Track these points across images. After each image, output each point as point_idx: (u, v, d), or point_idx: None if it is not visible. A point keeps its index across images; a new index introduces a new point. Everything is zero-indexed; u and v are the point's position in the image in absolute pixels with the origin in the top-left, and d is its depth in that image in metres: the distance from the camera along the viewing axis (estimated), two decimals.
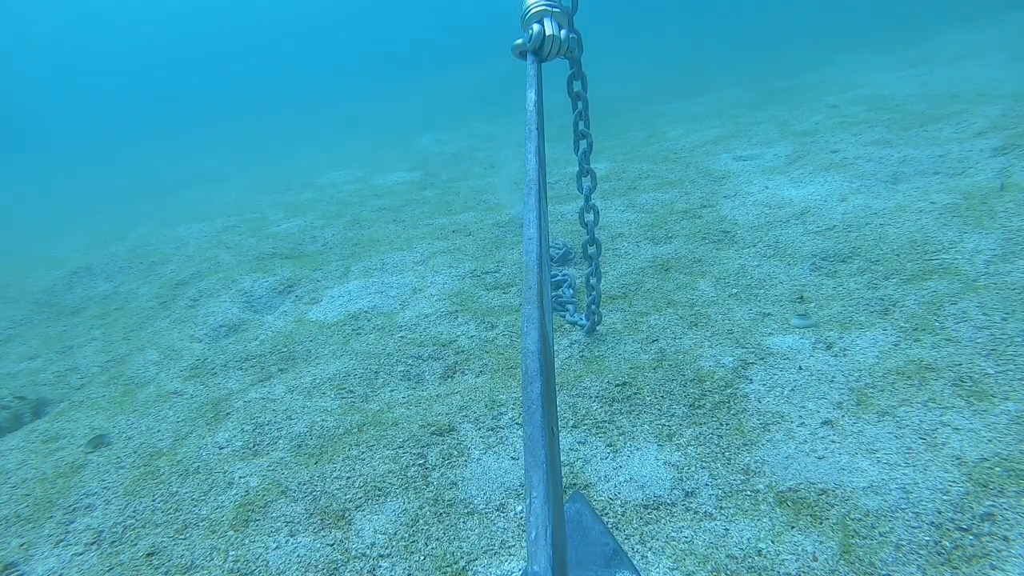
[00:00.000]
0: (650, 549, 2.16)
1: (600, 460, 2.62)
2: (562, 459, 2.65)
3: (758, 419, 2.70)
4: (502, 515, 2.43)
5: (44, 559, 2.51)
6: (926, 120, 6.59)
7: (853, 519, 2.08)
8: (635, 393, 3.03)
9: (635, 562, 2.12)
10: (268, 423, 3.18)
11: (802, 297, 3.72)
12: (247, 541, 2.39)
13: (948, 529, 1.99)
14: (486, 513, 2.44)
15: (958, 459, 2.24)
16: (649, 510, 2.34)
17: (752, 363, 3.13)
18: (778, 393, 2.86)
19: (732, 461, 2.48)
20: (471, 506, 2.48)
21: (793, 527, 2.11)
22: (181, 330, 4.82)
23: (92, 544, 2.55)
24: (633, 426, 2.81)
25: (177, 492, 2.76)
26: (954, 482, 2.14)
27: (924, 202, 4.47)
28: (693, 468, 2.48)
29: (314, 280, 5.32)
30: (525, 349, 1.69)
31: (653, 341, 3.55)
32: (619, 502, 2.40)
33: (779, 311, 3.61)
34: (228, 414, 3.41)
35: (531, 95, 2.22)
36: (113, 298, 6.32)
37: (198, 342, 4.57)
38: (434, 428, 2.95)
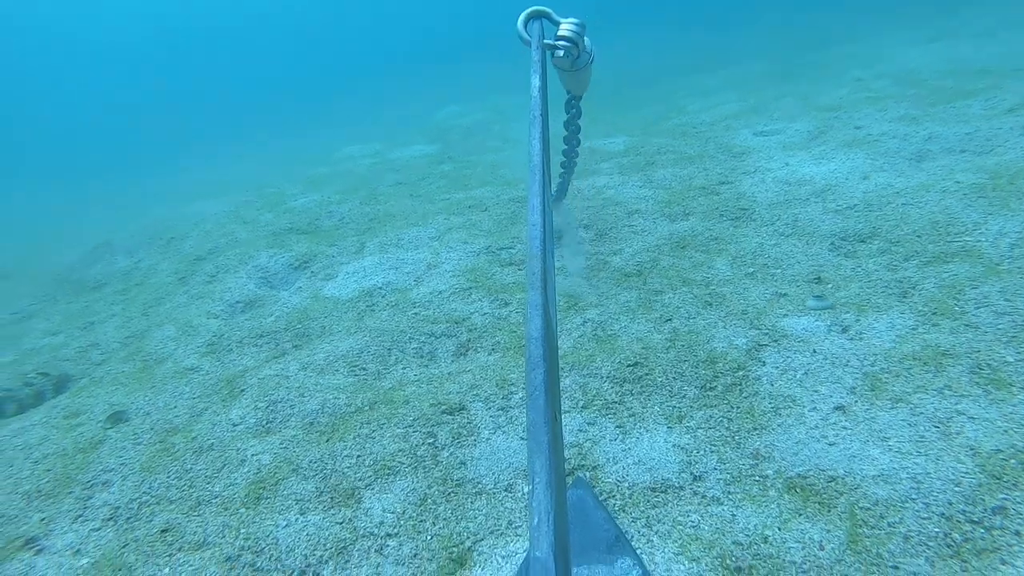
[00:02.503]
0: (656, 533, 2.17)
1: (609, 442, 2.62)
2: (571, 440, 2.65)
3: (769, 403, 2.68)
4: (510, 495, 2.44)
5: (63, 534, 2.58)
6: (954, 96, 6.40)
7: (861, 508, 2.06)
8: (646, 374, 3.01)
9: (639, 546, 2.13)
10: (281, 400, 3.22)
11: (819, 278, 3.66)
12: (258, 518, 2.44)
13: (959, 521, 1.96)
14: (494, 493, 2.45)
15: (972, 449, 2.20)
16: (656, 493, 2.34)
17: (766, 345, 3.09)
18: (791, 376, 2.83)
19: (742, 445, 2.47)
20: (479, 486, 2.50)
21: (800, 514, 2.10)
22: (199, 306, 4.88)
23: (109, 520, 2.61)
24: (643, 407, 2.80)
25: (191, 469, 2.81)
26: (967, 473, 2.11)
27: (948, 181, 4.36)
28: (702, 451, 2.47)
29: (329, 256, 5.34)
30: (528, 335, 1.68)
31: (667, 320, 3.52)
32: (626, 484, 2.40)
33: (795, 291, 3.56)
34: (243, 391, 3.45)
35: (535, 80, 2.18)
36: (134, 273, 6.40)
37: (215, 318, 4.62)
38: (444, 407, 2.96)
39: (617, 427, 2.70)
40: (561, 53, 2.37)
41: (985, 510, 1.97)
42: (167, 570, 2.26)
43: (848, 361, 2.85)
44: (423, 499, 2.44)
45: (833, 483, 2.19)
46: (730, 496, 2.25)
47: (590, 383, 3.00)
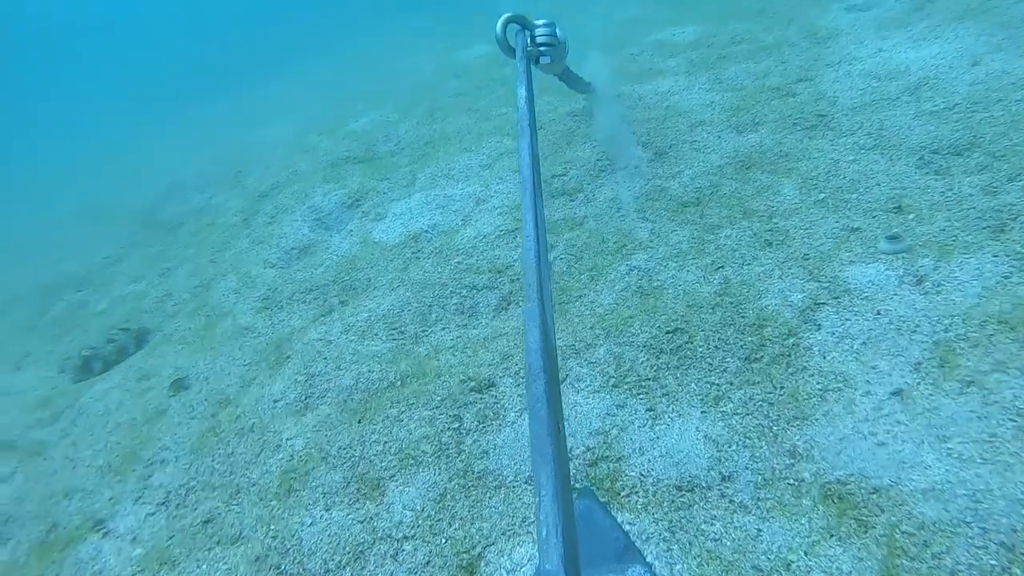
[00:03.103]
0: (677, 542, 2.05)
1: (637, 428, 2.47)
2: (596, 426, 2.52)
3: (818, 382, 2.41)
4: (528, 488, 2.38)
5: (125, 516, 2.79)
6: None
7: (903, 532, 1.84)
8: (686, 342, 2.79)
9: (659, 554, 2.03)
10: (319, 374, 3.25)
11: (900, 207, 3.19)
12: (286, 514, 2.52)
13: (1022, 554, 1.71)
14: (513, 487, 2.40)
15: None
16: (682, 492, 2.20)
17: (824, 303, 2.76)
18: (847, 347, 2.52)
19: (779, 438, 2.25)
20: (500, 478, 2.45)
21: (833, 535, 1.90)
22: (258, 253, 4.96)
23: (162, 504, 2.79)
24: (679, 385, 2.61)
25: (233, 452, 2.93)
26: None
27: None
28: (735, 445, 2.28)
29: (381, 192, 5.23)
30: (527, 347, 1.55)
31: (719, 268, 3.22)
32: (651, 480, 2.27)
33: (869, 225, 3.13)
34: (288, 358, 3.52)
35: (521, 91, 2.06)
36: (206, 212, 6.60)
37: (271, 267, 4.69)
38: (474, 384, 2.89)
39: (648, 410, 2.54)
40: (548, 60, 2.33)
41: None
42: (204, 567, 2.40)
43: (918, 325, 2.50)
44: (442, 495, 2.43)
45: (875, 496, 1.96)
46: (759, 503, 2.08)
47: (625, 354, 2.82)
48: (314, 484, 2.62)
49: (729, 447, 2.28)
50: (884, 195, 3.30)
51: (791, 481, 2.11)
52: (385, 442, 2.72)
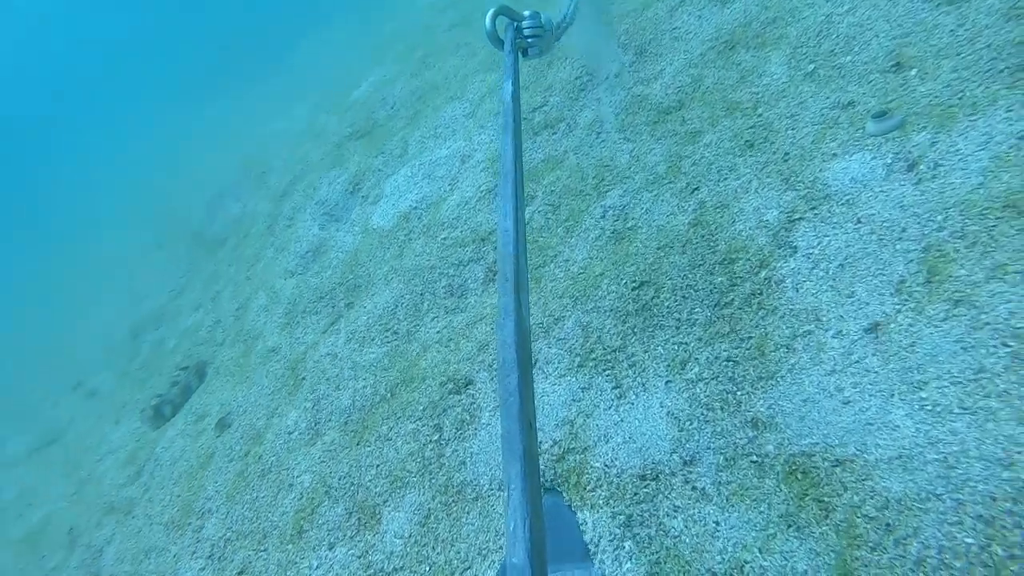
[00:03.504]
0: (635, 540, 1.92)
1: (603, 411, 2.31)
2: (563, 415, 2.38)
3: (787, 327, 2.11)
4: (502, 494, 2.31)
5: (185, 574, 3.03)
6: None
7: (864, 515, 1.60)
8: (654, 297, 2.53)
9: (617, 558, 1.92)
10: (324, 397, 3.31)
11: (899, 63, 2.66)
12: (298, 558, 2.62)
13: (1004, 527, 1.44)
14: (488, 496, 2.35)
15: None
16: (646, 481, 2.05)
17: (801, 217, 2.40)
18: (822, 272, 2.18)
19: (742, 406, 2.02)
20: (477, 488, 2.40)
21: (792, 524, 1.70)
22: (280, 262, 5.06)
23: (209, 558, 3.00)
24: (645, 351, 2.39)
25: (258, 497, 3.07)
26: None
27: None
28: (696, 421, 2.07)
29: (376, 170, 5.11)
30: (501, 340, 1.51)
31: (694, 190, 2.88)
32: (615, 471, 2.13)
33: (863, 95, 2.64)
34: (303, 379, 3.61)
35: (507, 86, 2.04)
36: (242, 222, 6.79)
37: (291, 276, 4.77)
38: (452, 385, 2.82)
39: (614, 387, 2.36)
40: (537, 51, 2.47)
41: None
42: None
43: (904, 230, 2.10)
44: (427, 516, 2.42)
45: (839, 470, 1.72)
46: (721, 489, 1.89)
47: (592, 322, 2.61)
48: (320, 522, 2.70)
49: (691, 424, 2.07)
50: (882, 49, 2.76)
51: (754, 458, 1.89)
52: (378, 465, 2.73)
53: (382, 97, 6.46)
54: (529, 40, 3.00)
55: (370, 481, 2.70)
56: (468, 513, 2.33)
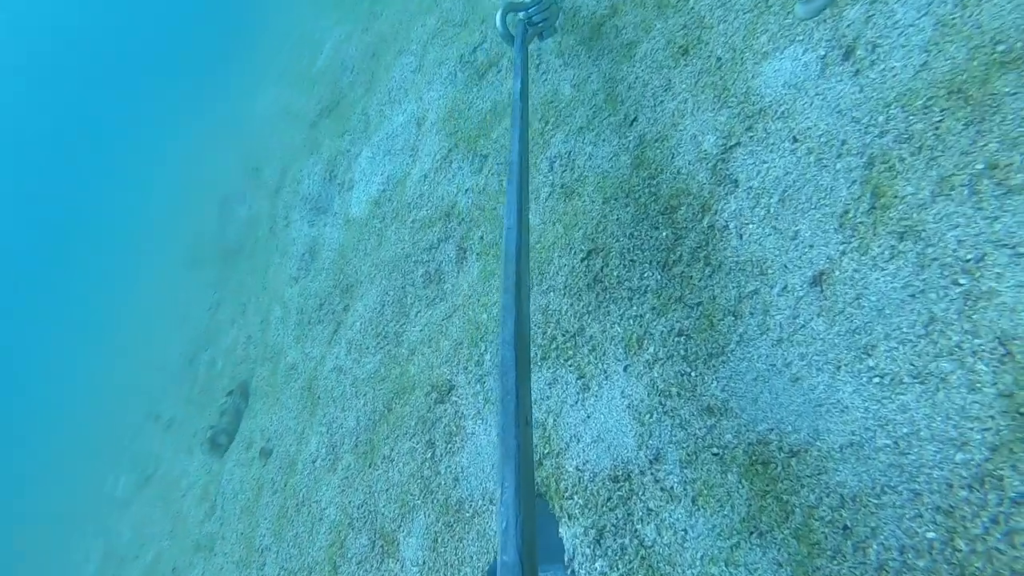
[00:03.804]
0: (606, 551, 1.85)
1: (570, 408, 2.19)
2: (536, 416, 2.29)
3: (733, 286, 1.89)
4: (493, 507, 2.29)
5: None
6: None
7: (821, 518, 1.45)
8: (603, 267, 2.34)
9: (592, 571, 1.87)
10: (334, 421, 3.34)
11: None
12: None
13: (964, 517, 1.27)
14: (482, 511, 2.33)
15: (1001, 341, 1.31)
16: (618, 483, 1.95)
17: (738, 142, 2.10)
18: (763, 211, 1.92)
19: (697, 390, 1.85)
20: (473, 505, 2.38)
21: (755, 529, 1.57)
22: (284, 268, 5.07)
23: None
24: (603, 332, 2.23)
25: (298, 533, 3.18)
26: (987, 416, 1.29)
27: None
28: (656, 412, 1.93)
29: (345, 152, 4.93)
30: (502, 339, 1.56)
31: (633, 122, 2.59)
32: (588, 474, 2.04)
33: None
34: (318, 398, 3.65)
35: (516, 84, 2.10)
36: (250, 225, 6.81)
37: (295, 283, 4.77)
38: (436, 394, 2.76)
39: (579, 378, 2.22)
40: (551, 30, 2.57)
41: (1003, 498, 1.23)
42: None
43: (844, 141, 1.80)
44: (435, 539, 2.43)
45: (794, 461, 1.55)
46: (687, 488, 1.77)
47: (550, 305, 2.45)
48: (350, 555, 2.78)
49: (651, 416, 1.93)
50: None
51: (715, 450, 1.74)
52: (387, 490, 2.75)
53: (342, 62, 6.16)
54: (541, 24, 3.01)
55: (384, 507, 2.73)
56: (468, 533, 2.32)
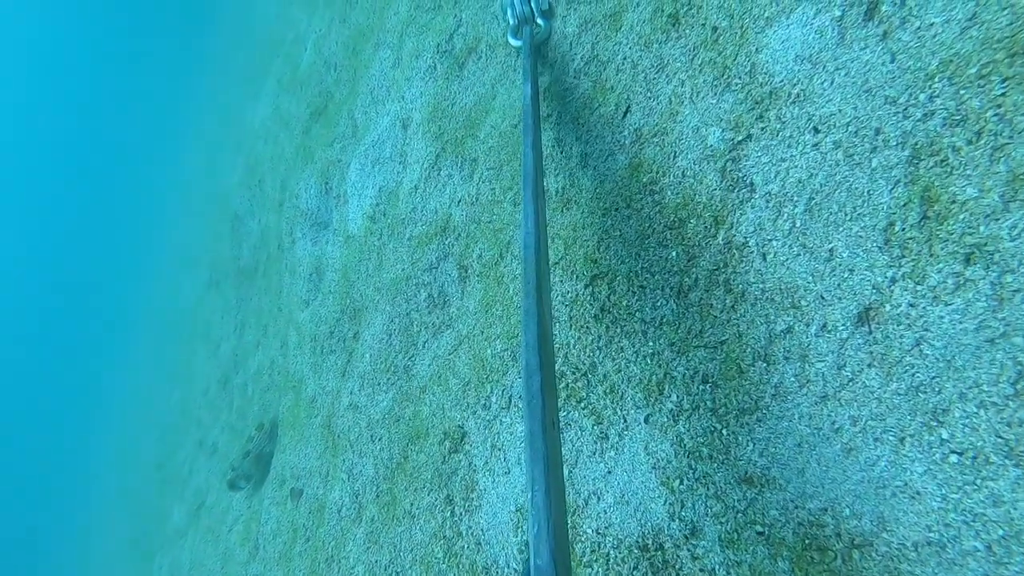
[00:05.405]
0: None
1: (588, 459, 1.92)
2: None
3: (762, 322, 1.57)
4: (515, 569, 2.06)
5: None
6: None
7: None
8: (610, 295, 2.03)
9: None
10: (353, 467, 3.15)
11: None
12: None
13: None
14: None
15: None
16: (648, 554, 1.68)
17: (748, 136, 1.75)
18: (787, 223, 1.58)
19: (731, 453, 1.55)
20: (498, 570, 2.14)
21: None
22: (295, 290, 4.87)
23: None
24: (618, 371, 1.93)
25: None
26: None
27: None
28: (687, 477, 1.64)
29: (336, 161, 4.65)
30: (525, 343, 1.47)
31: (626, 112, 2.24)
32: (611, 539, 1.77)
33: None
34: (337, 437, 3.46)
35: (527, 89, 2.08)
36: (262, 243, 6.63)
37: (306, 307, 4.57)
38: (450, 442, 2.52)
39: (596, 425, 1.94)
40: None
41: None
42: None
43: (879, 129, 1.43)
44: None
45: (856, 555, 1.25)
46: (731, 573, 1.49)
47: (557, 336, 2.16)
48: None
49: (681, 483, 1.64)
50: None
51: (759, 527, 1.45)
52: (412, 549, 2.55)
53: (324, 59, 5.83)
54: (540, 24, 2.87)
55: (409, 568, 2.53)
56: None
